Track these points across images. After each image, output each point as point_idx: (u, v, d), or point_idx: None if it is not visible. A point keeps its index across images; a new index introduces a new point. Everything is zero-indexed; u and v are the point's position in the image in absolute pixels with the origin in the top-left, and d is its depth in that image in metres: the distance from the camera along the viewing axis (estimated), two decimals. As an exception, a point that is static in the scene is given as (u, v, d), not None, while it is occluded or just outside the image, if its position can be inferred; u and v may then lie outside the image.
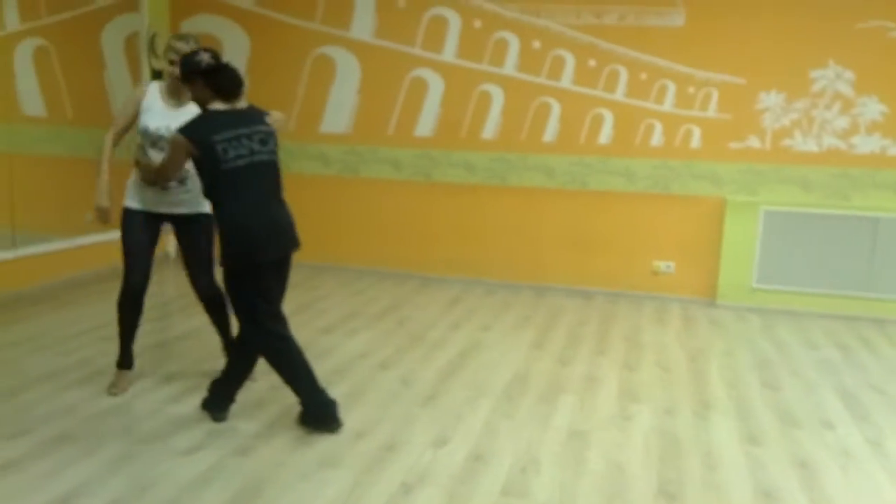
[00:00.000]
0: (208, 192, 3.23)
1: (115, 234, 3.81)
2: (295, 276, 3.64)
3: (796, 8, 5.54)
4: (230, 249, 3.19)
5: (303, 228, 3.46)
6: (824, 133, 5.63)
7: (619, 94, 5.94)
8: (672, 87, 5.83)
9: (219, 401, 3.45)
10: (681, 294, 5.99)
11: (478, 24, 6.12)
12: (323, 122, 6.55)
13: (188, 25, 6.67)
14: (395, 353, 4.50)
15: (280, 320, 3.39)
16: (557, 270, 6.21)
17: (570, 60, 5.99)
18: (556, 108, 6.07)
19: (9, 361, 4.14)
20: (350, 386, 3.92)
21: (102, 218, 3.63)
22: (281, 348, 3.33)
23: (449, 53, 6.21)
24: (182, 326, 4.86)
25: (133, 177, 3.67)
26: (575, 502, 2.82)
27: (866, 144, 5.57)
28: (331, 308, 5.46)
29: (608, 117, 5.98)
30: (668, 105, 5.86)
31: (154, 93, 3.64)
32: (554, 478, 3.00)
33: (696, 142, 5.84)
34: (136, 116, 3.61)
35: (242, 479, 2.91)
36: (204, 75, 3.21)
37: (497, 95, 6.16)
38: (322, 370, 3.89)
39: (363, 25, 6.35)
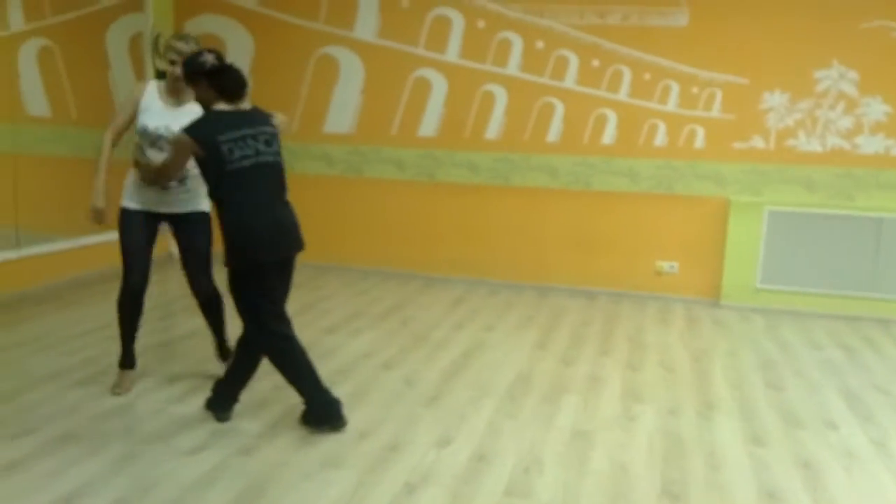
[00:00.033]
0: (213, 193, 3.22)
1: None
2: (298, 276, 3.64)
3: (800, 8, 5.53)
4: (235, 249, 3.19)
5: (306, 228, 3.46)
6: (828, 133, 5.62)
7: (622, 95, 5.94)
8: (676, 88, 5.82)
9: (222, 401, 3.46)
10: (684, 294, 5.99)
11: (481, 24, 6.12)
12: (326, 122, 6.56)
13: (192, 25, 6.68)
14: (399, 353, 4.50)
15: (284, 320, 3.39)
16: (561, 271, 6.21)
17: (573, 60, 5.99)
18: (559, 109, 6.07)
19: (13, 361, 4.15)
20: (353, 386, 3.93)
21: (97, 218, 3.62)
22: (284, 348, 3.34)
23: (452, 53, 6.21)
24: (185, 326, 4.86)
25: (131, 177, 3.66)
26: (578, 502, 2.82)
27: (870, 145, 5.56)
28: (334, 308, 5.46)
29: (612, 117, 5.97)
30: (671, 105, 5.85)
31: (152, 92, 3.63)
32: (557, 478, 3.00)
33: (699, 142, 5.84)
34: (134, 116, 3.60)
35: (246, 479, 2.92)
36: (208, 76, 3.21)
37: (500, 95, 6.16)
38: (326, 370, 3.90)
39: (367, 25, 6.35)
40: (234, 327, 4.09)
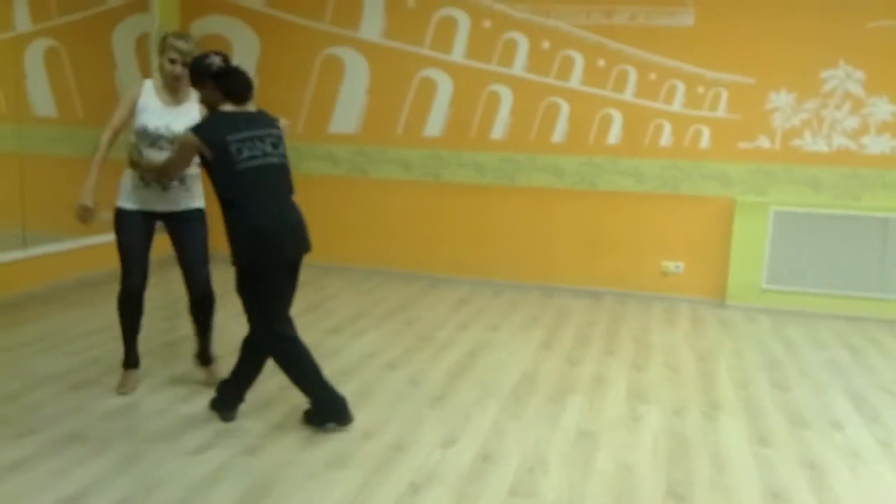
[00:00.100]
0: (221, 194, 3.19)
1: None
2: (303, 277, 3.65)
3: (806, 8, 5.52)
4: (244, 250, 3.18)
5: (311, 229, 3.46)
6: (834, 133, 5.60)
7: (628, 95, 5.93)
8: (681, 87, 5.81)
9: (227, 400, 3.46)
10: (690, 294, 5.98)
11: (487, 24, 6.12)
12: (332, 122, 6.57)
13: (198, 26, 6.70)
14: (404, 353, 4.50)
15: (286, 321, 3.39)
16: (566, 271, 6.20)
17: (579, 61, 5.98)
18: (565, 109, 6.06)
19: (18, 361, 4.17)
20: (358, 386, 3.93)
21: (83, 217, 3.53)
22: (288, 349, 3.34)
23: (458, 54, 6.21)
24: (190, 326, 4.84)
25: (126, 177, 3.62)
26: (583, 503, 2.81)
27: (877, 145, 5.54)
28: (339, 308, 5.47)
29: (617, 117, 5.97)
30: (677, 105, 5.84)
31: (149, 91, 3.61)
32: (562, 478, 3.00)
33: (705, 142, 5.82)
34: (131, 116, 3.57)
35: (251, 479, 2.92)
36: (214, 78, 3.21)
37: (506, 96, 6.16)
38: (330, 370, 3.90)
39: (372, 26, 6.36)
40: (234, 329, 4.11)
